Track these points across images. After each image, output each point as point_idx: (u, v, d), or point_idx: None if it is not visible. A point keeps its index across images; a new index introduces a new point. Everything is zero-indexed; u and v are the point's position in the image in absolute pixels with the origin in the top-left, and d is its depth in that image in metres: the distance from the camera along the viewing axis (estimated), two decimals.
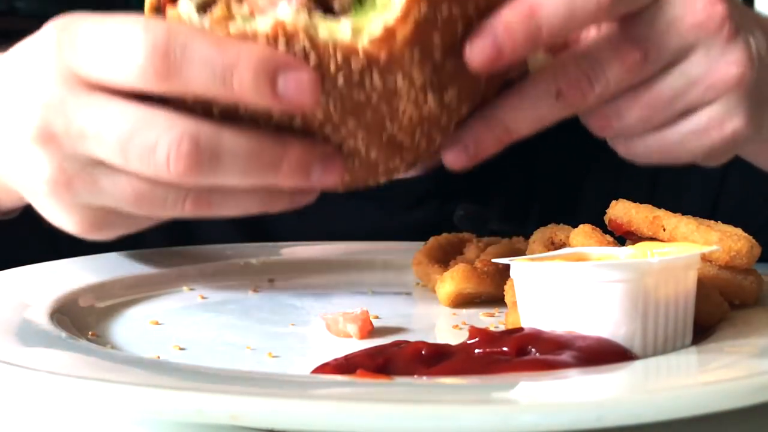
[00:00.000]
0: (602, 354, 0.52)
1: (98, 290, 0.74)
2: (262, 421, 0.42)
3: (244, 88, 0.58)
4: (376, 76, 0.61)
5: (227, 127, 0.62)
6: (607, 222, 0.68)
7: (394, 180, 0.74)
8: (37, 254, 0.80)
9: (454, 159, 0.70)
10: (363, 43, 0.59)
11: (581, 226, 0.67)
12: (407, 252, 0.83)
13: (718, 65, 0.69)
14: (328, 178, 0.65)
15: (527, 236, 0.76)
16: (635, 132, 0.71)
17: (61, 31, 0.63)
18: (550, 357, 0.51)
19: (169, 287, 0.79)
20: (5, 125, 0.67)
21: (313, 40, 0.59)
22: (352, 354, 0.54)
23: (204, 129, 0.61)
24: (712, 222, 0.65)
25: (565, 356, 0.51)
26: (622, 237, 0.68)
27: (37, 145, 0.64)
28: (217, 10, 0.61)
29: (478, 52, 0.64)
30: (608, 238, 0.66)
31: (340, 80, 0.61)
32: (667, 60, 0.69)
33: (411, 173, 0.73)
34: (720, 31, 0.68)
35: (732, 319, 0.61)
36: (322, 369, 0.52)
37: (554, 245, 0.72)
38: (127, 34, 0.60)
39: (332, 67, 0.60)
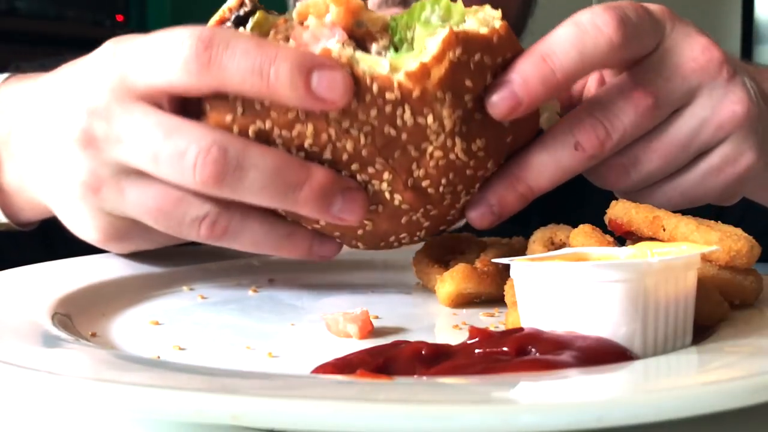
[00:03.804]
0: (602, 354, 0.52)
1: (98, 290, 0.74)
2: (262, 421, 0.42)
3: (279, 81, 0.61)
4: (407, 113, 0.64)
5: (257, 144, 0.64)
6: (607, 222, 0.68)
7: None
8: (33, 256, 0.80)
9: (479, 218, 0.73)
10: (399, 77, 0.63)
11: (581, 226, 0.67)
12: (407, 252, 0.83)
13: (723, 105, 0.71)
14: (350, 212, 0.67)
15: (527, 236, 0.76)
16: (654, 180, 0.73)
17: (117, 42, 0.68)
18: (550, 357, 0.51)
19: (169, 287, 0.79)
20: (52, 127, 0.70)
21: (353, 69, 0.62)
22: (352, 354, 0.54)
23: (233, 142, 0.64)
24: (712, 222, 0.65)
25: (565, 356, 0.51)
26: (622, 237, 0.68)
27: (78, 146, 0.67)
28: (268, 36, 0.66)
29: (498, 101, 0.66)
30: (608, 238, 0.66)
31: (374, 112, 0.64)
32: (676, 103, 0.72)
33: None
34: (720, 73, 0.71)
35: (732, 319, 0.61)
36: (322, 369, 0.52)
37: (554, 245, 0.72)
38: (177, 33, 0.64)
39: (368, 98, 0.63)
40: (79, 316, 0.67)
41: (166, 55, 0.63)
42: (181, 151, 0.63)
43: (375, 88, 0.63)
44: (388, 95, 0.63)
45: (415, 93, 0.63)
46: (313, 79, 0.61)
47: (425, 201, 0.70)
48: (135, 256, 0.84)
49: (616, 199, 0.69)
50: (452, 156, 0.67)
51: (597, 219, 0.69)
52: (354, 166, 0.67)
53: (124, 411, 0.48)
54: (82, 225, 0.73)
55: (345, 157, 0.66)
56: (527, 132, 0.71)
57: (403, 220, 0.71)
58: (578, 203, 1.11)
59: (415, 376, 0.51)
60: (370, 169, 0.67)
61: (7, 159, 0.77)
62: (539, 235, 0.73)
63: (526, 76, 0.66)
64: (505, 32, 0.66)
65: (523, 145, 0.71)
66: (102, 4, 3.37)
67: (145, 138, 0.64)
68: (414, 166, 0.67)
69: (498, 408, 0.42)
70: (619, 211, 0.67)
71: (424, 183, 0.68)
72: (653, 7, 0.72)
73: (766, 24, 4.53)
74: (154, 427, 0.50)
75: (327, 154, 0.66)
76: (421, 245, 0.83)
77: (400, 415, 0.41)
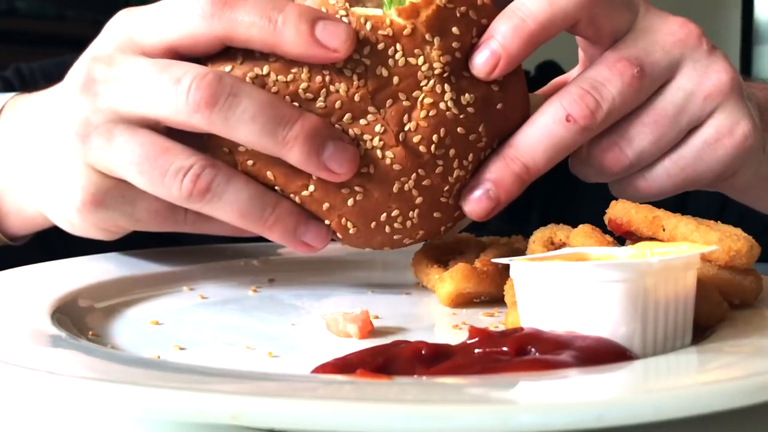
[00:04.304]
0: (602, 354, 0.52)
1: (98, 290, 0.74)
2: (262, 421, 0.42)
3: (286, 26, 0.64)
4: (399, 53, 0.67)
5: (252, 84, 0.67)
6: (606, 222, 0.68)
7: None
8: (31, 258, 0.80)
9: (476, 203, 0.72)
10: (391, 15, 0.67)
11: (581, 226, 0.67)
12: (407, 252, 0.83)
13: (708, 75, 0.72)
14: (340, 162, 0.67)
15: (527, 236, 0.76)
16: (650, 157, 0.73)
17: (129, 9, 0.70)
18: (550, 357, 0.51)
19: (169, 287, 0.79)
20: (58, 86, 0.72)
21: (348, 11, 0.67)
22: (352, 354, 0.54)
23: (230, 75, 0.66)
24: (712, 222, 0.65)
25: (565, 356, 0.51)
26: (622, 237, 0.68)
27: (78, 89, 0.68)
28: None
29: (478, 60, 0.69)
30: (608, 238, 0.66)
31: (367, 49, 0.67)
32: (660, 75, 0.72)
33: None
34: (700, 44, 0.73)
35: (732, 319, 0.61)
36: (322, 369, 0.52)
37: (554, 245, 0.72)
38: None
39: (362, 35, 0.67)
40: (79, 316, 0.67)
41: (181, 6, 0.66)
42: (177, 77, 0.64)
43: (368, 25, 0.67)
44: (381, 32, 0.67)
45: (406, 31, 0.67)
46: (317, 26, 0.65)
47: (417, 162, 0.69)
48: (135, 256, 0.84)
49: (616, 199, 0.69)
50: (442, 105, 0.68)
51: (597, 219, 0.69)
52: (346, 118, 0.68)
53: (124, 411, 0.48)
54: (64, 186, 0.71)
55: (338, 104, 0.67)
56: (517, 102, 0.72)
57: (395, 187, 0.70)
58: (578, 203, 1.11)
59: (415, 376, 0.51)
60: (362, 121, 0.68)
61: None
62: (539, 235, 0.73)
63: (500, 31, 0.68)
64: (490, 3, 0.71)
65: (515, 127, 0.72)
66: (102, 4, 3.37)
67: (142, 74, 0.66)
68: (405, 118, 0.68)
69: (497, 408, 0.42)
70: (619, 211, 0.67)
71: (416, 138, 0.69)
72: None
73: (766, 24, 4.53)
74: (154, 427, 0.50)
75: (320, 101, 0.67)
76: (420, 246, 0.83)
77: (400, 415, 0.41)
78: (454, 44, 0.68)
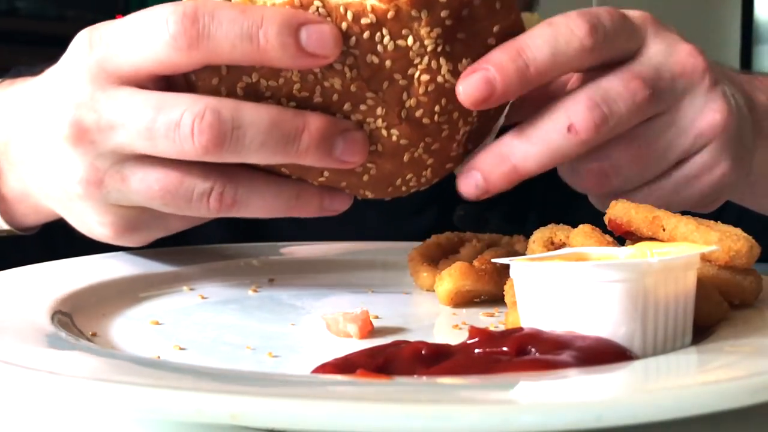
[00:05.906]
0: (602, 354, 0.52)
1: (98, 290, 0.74)
2: (262, 421, 0.42)
3: (269, 43, 0.62)
4: (386, 38, 0.65)
5: (248, 102, 0.65)
6: (606, 222, 0.68)
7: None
8: (34, 256, 0.80)
9: (466, 189, 0.73)
10: (371, 0, 0.63)
11: (581, 226, 0.67)
12: (407, 252, 0.83)
13: (704, 114, 0.71)
14: (352, 153, 0.68)
15: (527, 236, 0.76)
16: (632, 186, 0.73)
17: (92, 30, 0.67)
18: (550, 357, 0.51)
19: (169, 287, 0.79)
20: (42, 130, 0.70)
21: (325, 2, 0.63)
22: (352, 354, 0.54)
23: (225, 103, 0.64)
24: (712, 222, 0.65)
25: (565, 356, 0.51)
26: (622, 237, 0.68)
27: (70, 143, 0.67)
28: None
29: (470, 86, 0.66)
30: (608, 238, 0.66)
31: (352, 41, 0.64)
32: (663, 104, 0.71)
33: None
34: (703, 80, 0.72)
35: (732, 319, 0.61)
36: (322, 369, 0.52)
37: (554, 245, 0.72)
38: (158, 12, 0.63)
39: (344, 26, 0.64)
40: (79, 316, 0.67)
41: (150, 35, 0.63)
42: (176, 122, 0.63)
43: (349, 15, 0.64)
44: (364, 20, 0.64)
45: (390, 13, 0.64)
46: (302, 35, 0.62)
47: (422, 133, 0.69)
48: (135, 256, 0.84)
49: (616, 199, 0.69)
50: (440, 79, 0.67)
51: (597, 219, 0.69)
52: (346, 107, 0.67)
53: (124, 411, 0.48)
54: (93, 224, 0.72)
55: (335, 97, 0.67)
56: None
57: (405, 157, 0.71)
58: (578, 203, 1.11)
59: (415, 376, 0.51)
60: (362, 107, 0.68)
61: (8, 168, 0.77)
62: (539, 235, 0.73)
63: (502, 66, 0.66)
64: None
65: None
66: (102, 4, 3.37)
67: (136, 118, 0.64)
68: (404, 95, 0.67)
69: (498, 408, 0.42)
70: (619, 211, 0.67)
71: (418, 113, 0.68)
72: (633, 13, 0.72)
73: (766, 24, 4.53)
74: (154, 427, 0.50)
75: (317, 97, 0.67)
76: (417, 244, 0.83)
77: (400, 415, 0.41)
78: (443, 13, 0.65)
